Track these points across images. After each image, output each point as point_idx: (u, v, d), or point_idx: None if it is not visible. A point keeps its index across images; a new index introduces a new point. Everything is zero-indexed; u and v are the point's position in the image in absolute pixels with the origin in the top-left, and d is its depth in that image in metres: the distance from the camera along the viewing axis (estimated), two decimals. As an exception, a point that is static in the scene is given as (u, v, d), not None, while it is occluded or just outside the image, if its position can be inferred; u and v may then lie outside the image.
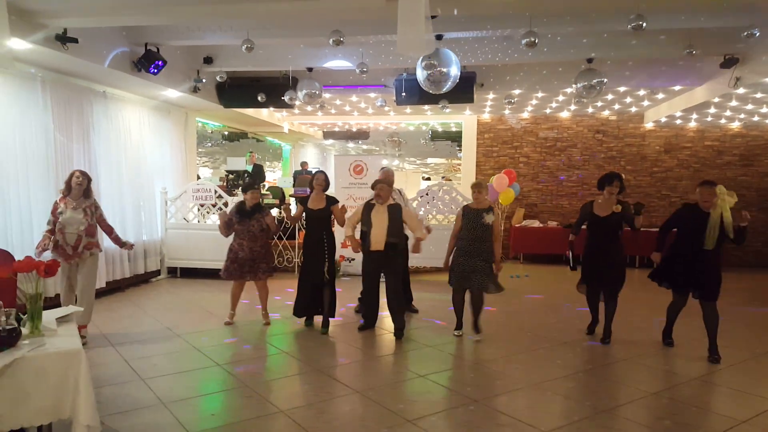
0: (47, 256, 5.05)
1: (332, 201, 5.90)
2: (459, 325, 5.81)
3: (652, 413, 3.84)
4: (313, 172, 6.04)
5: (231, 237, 6.06)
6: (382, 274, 5.77)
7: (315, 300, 5.87)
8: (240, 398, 4.05)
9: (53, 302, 6.46)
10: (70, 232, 5.20)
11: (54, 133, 6.79)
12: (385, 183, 5.76)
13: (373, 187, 5.78)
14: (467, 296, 5.65)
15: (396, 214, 5.65)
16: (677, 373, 4.65)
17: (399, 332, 5.68)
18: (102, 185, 7.67)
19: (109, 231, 5.60)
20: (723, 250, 5.02)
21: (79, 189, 5.30)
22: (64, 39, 5.76)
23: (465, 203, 9.39)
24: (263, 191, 11.62)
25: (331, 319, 5.93)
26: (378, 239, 5.58)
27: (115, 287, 7.88)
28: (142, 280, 8.64)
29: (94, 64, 6.58)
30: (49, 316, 3.28)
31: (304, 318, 6.07)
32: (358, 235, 5.86)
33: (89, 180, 5.42)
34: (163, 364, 4.82)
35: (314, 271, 5.78)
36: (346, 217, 5.94)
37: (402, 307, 5.89)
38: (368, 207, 5.74)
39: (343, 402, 3.98)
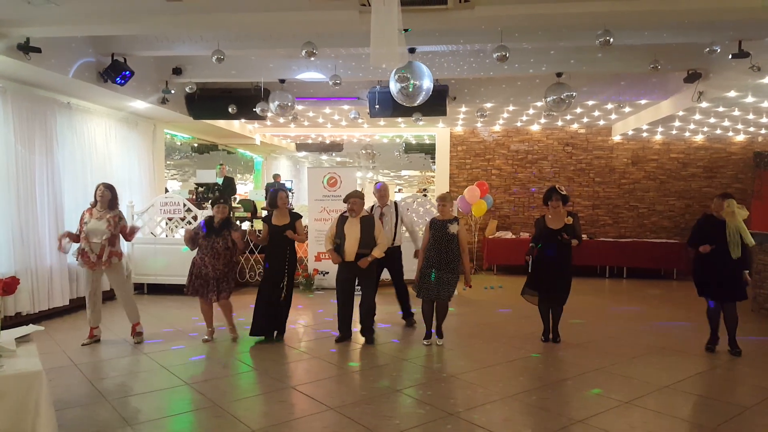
0: (72, 248, 5.77)
1: (296, 217, 5.97)
2: (428, 334, 5.90)
3: (625, 422, 3.86)
4: (272, 191, 6.07)
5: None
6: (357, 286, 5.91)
7: (271, 318, 5.90)
8: (210, 418, 3.92)
9: (13, 321, 6.23)
10: (94, 241, 5.60)
11: (15, 145, 6.57)
12: (357, 197, 5.88)
13: (345, 200, 5.91)
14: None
15: (368, 226, 5.81)
16: (648, 382, 4.70)
17: (370, 337, 5.90)
18: (66, 199, 7.44)
19: (126, 234, 5.85)
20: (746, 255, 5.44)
21: (103, 201, 5.70)
22: (26, 48, 5.58)
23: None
24: (234, 204, 11.44)
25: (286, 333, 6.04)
26: (350, 251, 5.75)
27: (79, 305, 7.59)
28: (108, 297, 8.29)
29: (58, 75, 6.40)
30: (7, 336, 3.13)
31: (263, 337, 6.02)
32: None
33: (113, 192, 5.79)
34: (130, 383, 4.65)
35: (272, 288, 5.84)
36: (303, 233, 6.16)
37: (372, 314, 6.02)
38: (342, 220, 5.90)
39: (317, 419, 3.89)
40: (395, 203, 6.88)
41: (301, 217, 6.04)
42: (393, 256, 6.49)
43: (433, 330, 5.90)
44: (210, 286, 5.75)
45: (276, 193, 6.01)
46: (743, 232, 5.31)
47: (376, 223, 5.92)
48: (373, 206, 6.72)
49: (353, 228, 5.78)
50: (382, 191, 6.71)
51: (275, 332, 6.01)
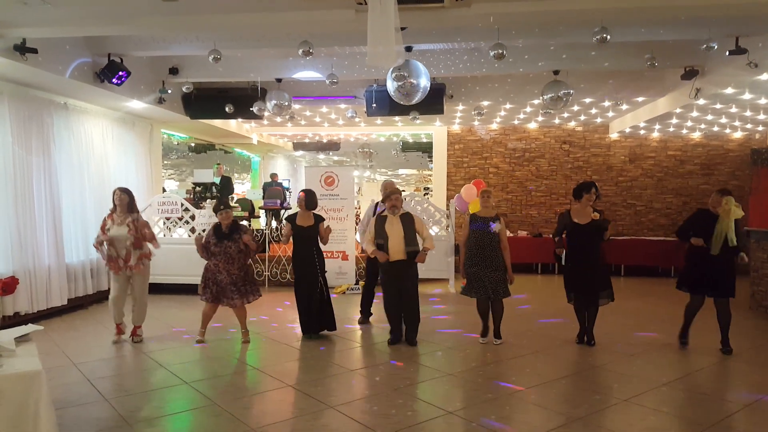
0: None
1: (319, 219, 6.02)
2: (485, 332, 5.89)
3: (624, 419, 3.87)
4: (303, 192, 6.07)
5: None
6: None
7: (315, 312, 5.95)
8: (209, 417, 3.92)
9: (12, 321, 6.23)
10: (119, 246, 5.68)
11: (12, 146, 6.55)
12: (398, 193, 5.86)
13: (384, 199, 5.87)
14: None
15: (410, 222, 5.76)
16: (646, 380, 4.71)
17: (413, 340, 5.76)
18: (64, 199, 7.43)
19: (149, 239, 5.89)
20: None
21: (122, 205, 5.74)
22: (22, 49, 5.57)
23: (437, 214, 9.49)
24: (232, 203, 11.43)
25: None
26: (397, 249, 5.66)
27: (77, 305, 7.61)
28: (106, 297, 8.29)
29: (55, 75, 6.39)
30: (7, 335, 3.12)
31: (309, 334, 6.05)
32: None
33: (130, 195, 5.85)
34: (129, 383, 4.65)
35: (311, 285, 5.90)
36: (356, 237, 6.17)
37: (418, 314, 5.87)
38: (380, 220, 5.82)
39: (316, 418, 3.89)
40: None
41: (323, 219, 6.07)
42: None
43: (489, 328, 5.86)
44: (227, 292, 5.70)
45: (311, 194, 6.06)
46: (729, 232, 5.27)
47: (416, 218, 5.86)
48: (377, 204, 6.69)
49: (395, 226, 5.69)
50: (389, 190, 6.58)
51: (325, 330, 6.11)
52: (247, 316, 5.99)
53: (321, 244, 6.01)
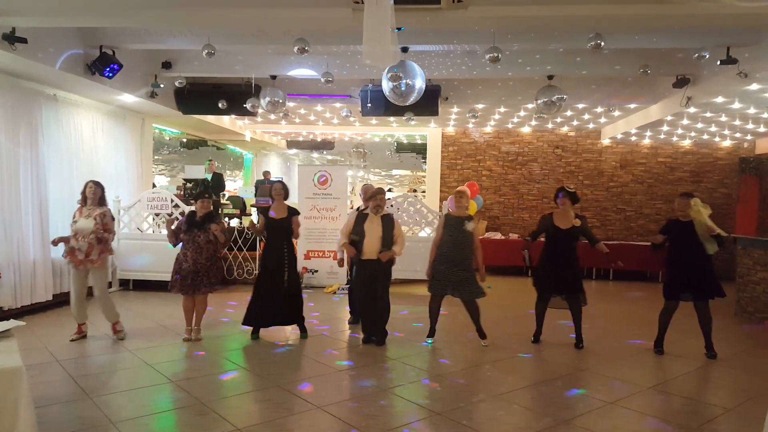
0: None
1: (293, 212, 5.93)
2: (432, 333, 5.89)
3: (609, 422, 3.88)
4: (269, 182, 6.05)
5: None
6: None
7: (266, 312, 5.81)
8: (194, 416, 3.88)
9: (-6, 316, 6.13)
10: (82, 239, 5.55)
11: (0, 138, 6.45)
12: (383, 193, 5.86)
13: (370, 198, 5.85)
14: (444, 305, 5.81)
15: (390, 224, 5.75)
16: (632, 383, 4.73)
17: (381, 339, 5.78)
18: (51, 193, 7.33)
19: (107, 230, 5.70)
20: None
21: (93, 198, 5.65)
22: (11, 39, 5.46)
23: (430, 215, 9.48)
24: (223, 201, 11.36)
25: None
26: (372, 248, 5.66)
27: (63, 300, 7.50)
28: (91, 293, 8.25)
29: (45, 66, 6.29)
30: (-14, 331, 3.07)
31: (251, 330, 5.94)
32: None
33: (103, 189, 5.77)
34: (113, 381, 4.59)
35: (273, 281, 5.76)
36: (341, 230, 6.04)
37: (387, 316, 5.89)
38: (361, 217, 5.82)
39: (303, 418, 3.87)
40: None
41: (298, 213, 6.01)
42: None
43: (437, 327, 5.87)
44: (187, 280, 5.65)
45: (272, 184, 5.99)
46: (712, 227, 5.36)
47: (396, 222, 5.87)
48: (359, 208, 6.65)
49: (374, 226, 5.69)
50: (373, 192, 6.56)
51: (300, 332, 5.99)
52: (204, 314, 5.91)
53: (297, 240, 5.94)
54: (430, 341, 5.85)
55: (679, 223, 5.56)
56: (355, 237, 5.73)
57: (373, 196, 5.80)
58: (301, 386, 4.52)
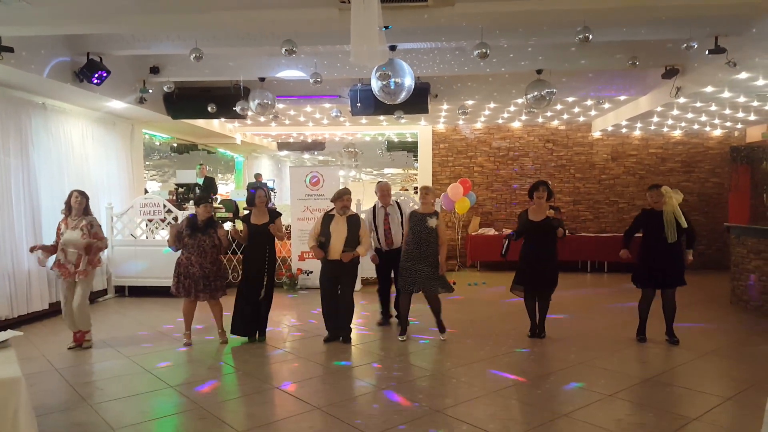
0: (50, 261, 5.60)
1: (275, 215, 5.94)
2: (403, 331, 5.96)
3: (609, 415, 3.91)
4: (251, 191, 6.06)
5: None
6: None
7: (252, 316, 5.83)
8: (194, 421, 3.88)
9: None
10: (71, 251, 5.50)
11: (-12, 147, 6.41)
12: (349, 194, 5.91)
13: (337, 198, 5.84)
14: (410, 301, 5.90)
15: (355, 225, 5.79)
16: (631, 375, 4.76)
17: (347, 336, 5.87)
18: (43, 202, 7.28)
19: (91, 246, 5.60)
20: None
21: (79, 208, 5.58)
22: (-2, 48, 5.43)
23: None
24: (216, 204, 11.32)
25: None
26: (336, 249, 5.72)
27: (59, 309, 7.42)
28: (90, 299, 8.21)
29: (32, 75, 6.23)
30: (-18, 342, 3.05)
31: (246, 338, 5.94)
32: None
33: (87, 198, 5.71)
34: (112, 387, 4.57)
35: (252, 288, 5.79)
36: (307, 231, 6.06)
37: (351, 314, 5.95)
38: (327, 218, 5.87)
39: (303, 419, 3.87)
40: (397, 202, 6.75)
41: (280, 215, 6.03)
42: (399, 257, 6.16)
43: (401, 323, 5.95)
44: (200, 285, 5.64)
45: (254, 192, 5.99)
46: (678, 216, 5.59)
47: (362, 223, 5.90)
48: (375, 206, 6.62)
49: (340, 226, 5.76)
50: (384, 189, 6.52)
51: (257, 333, 5.95)
52: (224, 313, 5.93)
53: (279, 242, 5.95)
54: (401, 339, 5.91)
55: (653, 212, 5.73)
56: (322, 238, 5.79)
57: (340, 197, 5.85)
58: (299, 387, 4.52)
